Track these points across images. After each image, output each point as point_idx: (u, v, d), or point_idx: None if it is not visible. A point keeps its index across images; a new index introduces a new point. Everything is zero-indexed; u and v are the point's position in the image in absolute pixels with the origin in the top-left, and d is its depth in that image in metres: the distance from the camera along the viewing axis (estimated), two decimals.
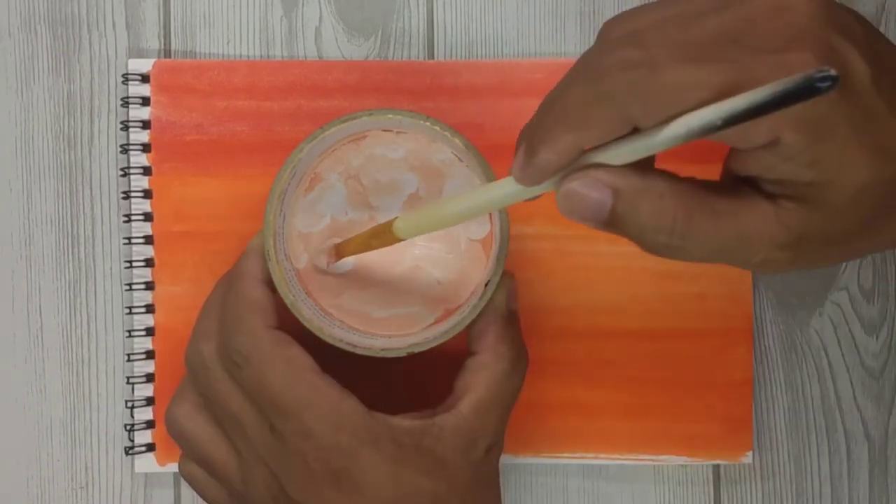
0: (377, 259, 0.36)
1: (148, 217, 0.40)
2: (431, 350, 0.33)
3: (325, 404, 0.31)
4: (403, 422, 0.32)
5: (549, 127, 0.26)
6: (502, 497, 0.35)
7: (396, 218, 0.32)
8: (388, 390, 0.37)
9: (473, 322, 0.34)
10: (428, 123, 0.33)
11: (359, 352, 0.33)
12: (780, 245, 0.26)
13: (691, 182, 0.27)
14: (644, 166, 0.26)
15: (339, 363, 0.33)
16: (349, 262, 0.36)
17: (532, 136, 0.27)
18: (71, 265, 0.40)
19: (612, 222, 0.26)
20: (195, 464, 0.35)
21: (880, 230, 0.27)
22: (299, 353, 0.32)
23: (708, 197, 0.26)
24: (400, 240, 0.32)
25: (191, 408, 0.35)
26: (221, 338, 0.33)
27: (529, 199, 0.28)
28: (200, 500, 0.39)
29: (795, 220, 0.26)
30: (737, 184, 0.27)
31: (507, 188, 0.28)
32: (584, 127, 0.26)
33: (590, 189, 0.26)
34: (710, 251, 0.27)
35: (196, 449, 0.34)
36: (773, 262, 0.27)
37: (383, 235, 0.33)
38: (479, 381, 0.33)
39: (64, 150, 0.40)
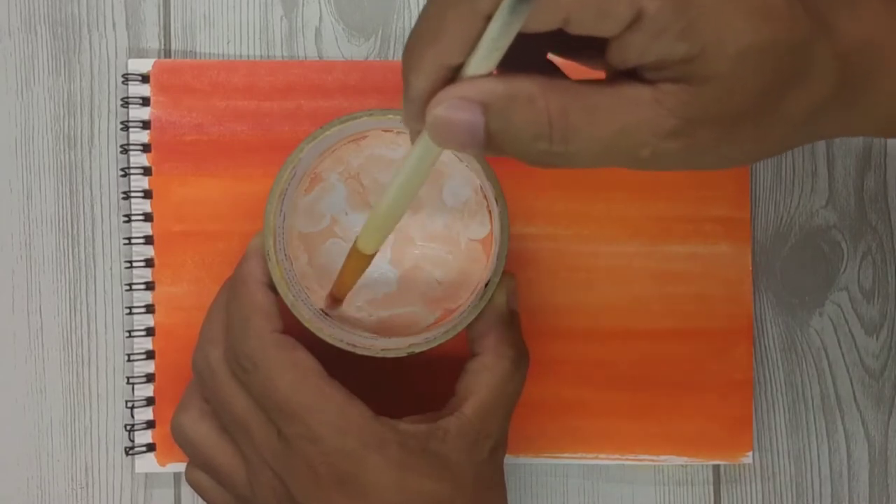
0: (377, 259, 0.36)
1: (148, 217, 0.40)
2: (433, 352, 0.33)
3: (332, 408, 0.31)
4: (409, 426, 0.32)
5: (412, 49, 0.25)
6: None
7: (356, 239, 0.32)
8: (392, 393, 0.37)
9: (474, 323, 0.34)
10: None
11: (359, 352, 0.33)
12: (668, 133, 0.24)
13: (568, 82, 0.25)
14: (514, 72, 0.24)
15: (343, 367, 0.33)
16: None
17: (403, 67, 0.25)
18: (71, 265, 0.40)
19: (491, 143, 0.24)
20: (201, 471, 0.35)
21: (779, 108, 0.25)
22: (305, 357, 0.32)
23: (584, 94, 0.24)
24: (371, 255, 0.32)
25: (196, 415, 0.35)
26: (228, 343, 0.33)
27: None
28: (201, 501, 0.40)
29: (678, 102, 0.24)
30: (618, 78, 0.25)
31: (415, 149, 0.27)
32: (441, 35, 0.24)
33: (456, 111, 0.24)
34: (596, 152, 0.24)
35: (202, 455, 0.34)
36: (665, 155, 0.24)
37: (355, 261, 0.32)
38: (482, 382, 0.33)
39: (64, 150, 0.40)
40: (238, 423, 0.33)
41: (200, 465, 0.35)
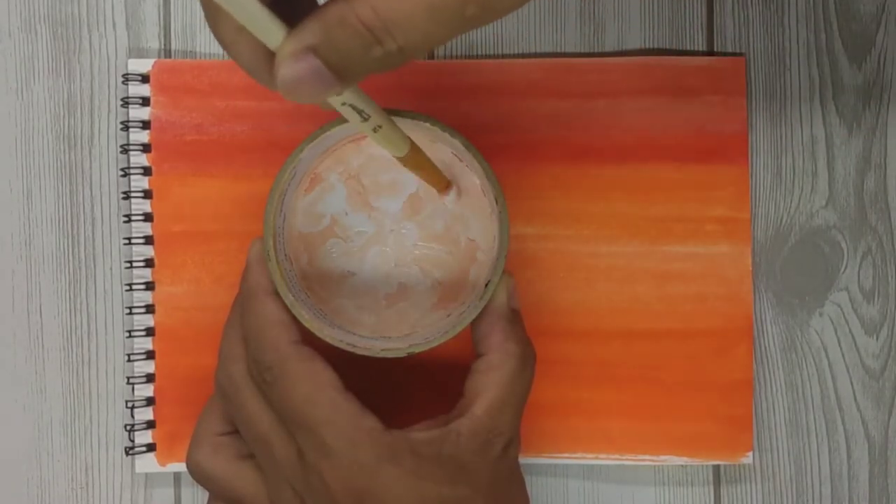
0: (377, 259, 0.36)
1: (148, 217, 0.40)
2: (442, 354, 0.33)
3: (344, 422, 0.31)
4: (420, 434, 0.32)
5: (214, 31, 0.26)
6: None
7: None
8: (403, 396, 0.37)
9: (478, 323, 0.34)
10: (428, 124, 0.33)
11: (358, 352, 0.33)
12: None
13: None
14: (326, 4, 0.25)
15: (358, 370, 0.33)
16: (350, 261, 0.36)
17: (223, 47, 0.26)
18: (71, 265, 0.40)
19: (341, 75, 0.25)
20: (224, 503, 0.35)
21: None
22: (322, 368, 0.32)
23: None
24: (406, 153, 0.32)
25: (209, 449, 0.34)
26: (249, 357, 0.33)
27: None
28: (201, 500, 0.40)
29: None
30: None
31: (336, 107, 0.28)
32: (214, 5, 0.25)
33: (294, 65, 0.24)
34: (423, 32, 0.24)
35: (222, 487, 0.34)
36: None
37: (405, 163, 0.33)
38: (490, 381, 0.33)
39: (64, 150, 0.40)
40: (260, 440, 0.33)
41: (223, 498, 0.34)
